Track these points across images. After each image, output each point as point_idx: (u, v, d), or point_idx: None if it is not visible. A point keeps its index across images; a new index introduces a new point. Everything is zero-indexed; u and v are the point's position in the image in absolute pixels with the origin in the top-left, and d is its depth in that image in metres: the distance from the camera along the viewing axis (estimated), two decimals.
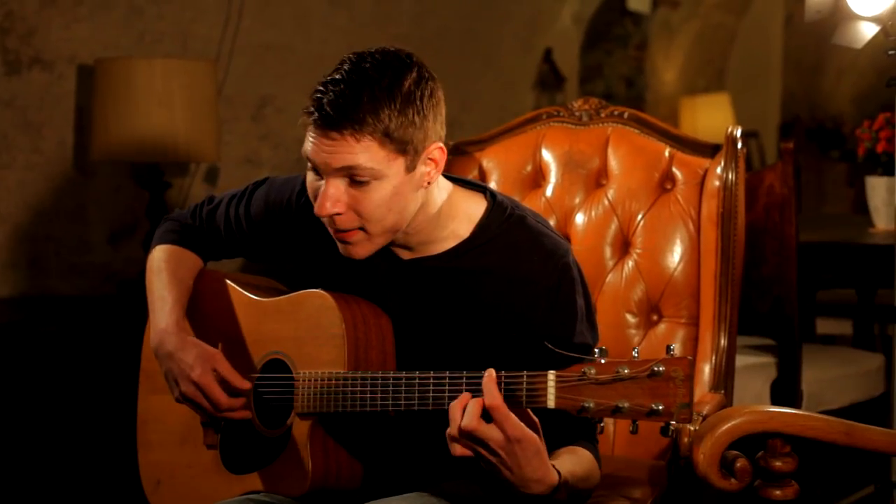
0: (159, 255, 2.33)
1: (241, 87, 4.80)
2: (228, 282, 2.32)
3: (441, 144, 2.05)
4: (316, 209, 2.02)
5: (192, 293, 2.30)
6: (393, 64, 1.99)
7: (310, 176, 2.05)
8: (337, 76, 1.99)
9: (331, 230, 2.06)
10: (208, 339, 2.19)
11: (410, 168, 2.01)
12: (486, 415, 1.86)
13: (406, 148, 1.99)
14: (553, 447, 2.02)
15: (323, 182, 2.01)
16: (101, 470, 3.80)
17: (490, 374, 1.87)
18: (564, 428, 2.05)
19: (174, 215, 2.41)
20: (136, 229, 4.41)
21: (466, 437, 1.86)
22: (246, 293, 2.28)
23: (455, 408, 1.87)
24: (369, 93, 1.95)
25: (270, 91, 4.96)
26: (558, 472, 1.93)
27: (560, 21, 7.05)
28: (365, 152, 1.96)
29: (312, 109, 1.97)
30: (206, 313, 2.29)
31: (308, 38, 5.09)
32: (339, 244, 2.07)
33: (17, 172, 4.12)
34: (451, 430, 1.88)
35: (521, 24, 6.52)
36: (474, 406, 1.85)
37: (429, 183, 2.05)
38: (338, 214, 2.01)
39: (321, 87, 1.98)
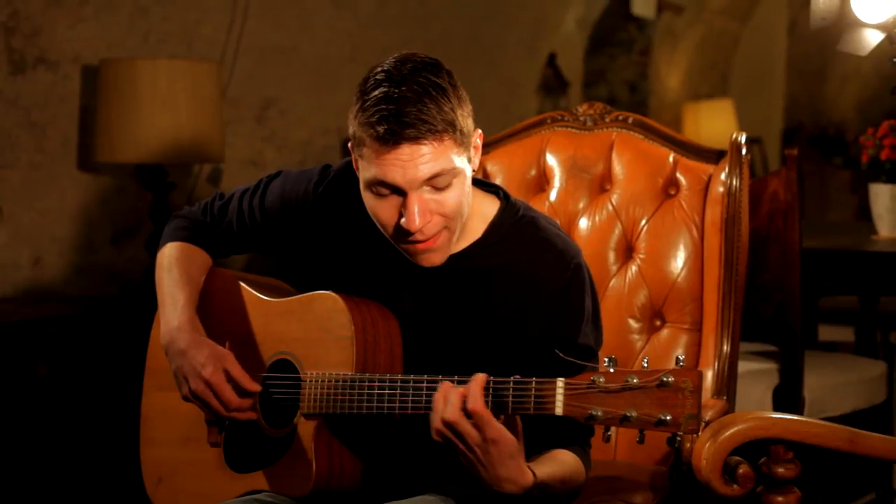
0: (169, 252, 2.32)
1: (245, 88, 4.80)
2: (238, 281, 2.32)
3: (480, 131, 2.08)
4: (407, 226, 2.00)
5: (201, 291, 2.30)
6: (424, 65, 2.00)
7: (379, 203, 2.02)
8: (384, 92, 1.96)
9: (409, 246, 2.05)
10: (217, 337, 2.20)
11: (469, 158, 2.04)
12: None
13: (467, 139, 2.02)
14: (541, 447, 2.05)
15: (400, 202, 2.00)
16: (104, 468, 3.80)
17: (478, 378, 1.89)
18: (556, 431, 2.07)
19: (184, 212, 2.40)
20: (139, 230, 4.42)
21: (447, 427, 1.89)
22: (255, 293, 2.28)
23: (438, 398, 1.90)
24: (428, 95, 1.96)
25: (275, 93, 4.97)
26: (534, 475, 1.94)
27: (564, 26, 7.06)
28: (446, 152, 1.97)
29: (381, 130, 1.95)
30: (214, 312, 2.30)
31: (312, 41, 5.10)
32: (414, 256, 2.07)
33: (21, 172, 4.12)
34: (434, 418, 1.90)
35: (526, 28, 6.53)
36: (456, 398, 1.88)
37: (474, 169, 2.08)
38: (428, 222, 2.01)
39: (374, 109, 1.95)
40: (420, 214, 1.99)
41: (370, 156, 1.98)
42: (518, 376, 1.92)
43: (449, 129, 1.97)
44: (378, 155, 1.97)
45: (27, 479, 3.70)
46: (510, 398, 1.90)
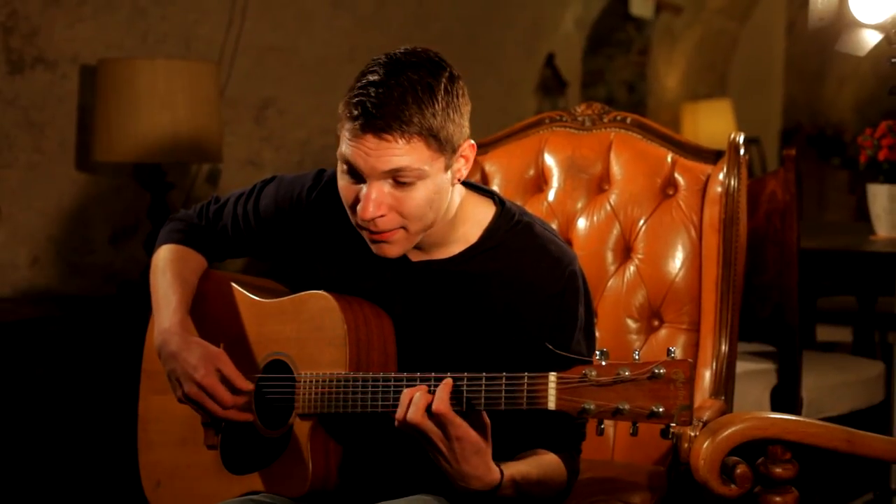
0: (164, 255, 2.32)
1: (243, 88, 4.80)
2: (231, 283, 2.32)
3: (472, 141, 2.07)
4: (359, 213, 2.01)
5: (195, 294, 2.30)
6: (427, 63, 2.00)
7: (343, 180, 2.04)
8: (375, 77, 1.97)
9: (365, 233, 2.06)
10: (211, 339, 2.19)
11: (448, 166, 2.03)
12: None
13: (447, 146, 2.00)
14: (523, 447, 2.07)
15: (361, 186, 2.01)
16: (102, 470, 3.80)
17: (446, 384, 1.90)
18: (545, 433, 2.08)
19: (180, 215, 2.41)
20: (137, 230, 4.41)
21: (407, 426, 1.91)
22: (249, 294, 2.28)
23: (405, 395, 1.92)
24: (413, 94, 1.95)
25: (273, 93, 4.96)
26: (501, 473, 1.96)
27: (562, 26, 7.06)
28: (412, 153, 1.97)
29: (357, 113, 1.96)
30: (209, 314, 2.30)
31: (311, 41, 5.10)
32: (371, 245, 2.07)
33: (19, 172, 4.12)
34: (398, 413, 1.92)
35: (524, 28, 6.53)
36: (421, 399, 1.90)
37: (459, 179, 2.07)
38: (381, 217, 2.01)
39: (361, 90, 1.97)
40: (374, 205, 1.99)
41: (344, 134, 2.00)
42: (506, 373, 1.92)
43: (423, 133, 1.96)
44: (350, 135, 1.99)
45: (26, 480, 3.69)
46: (502, 394, 1.90)
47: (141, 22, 4.44)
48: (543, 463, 2.07)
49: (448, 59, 2.06)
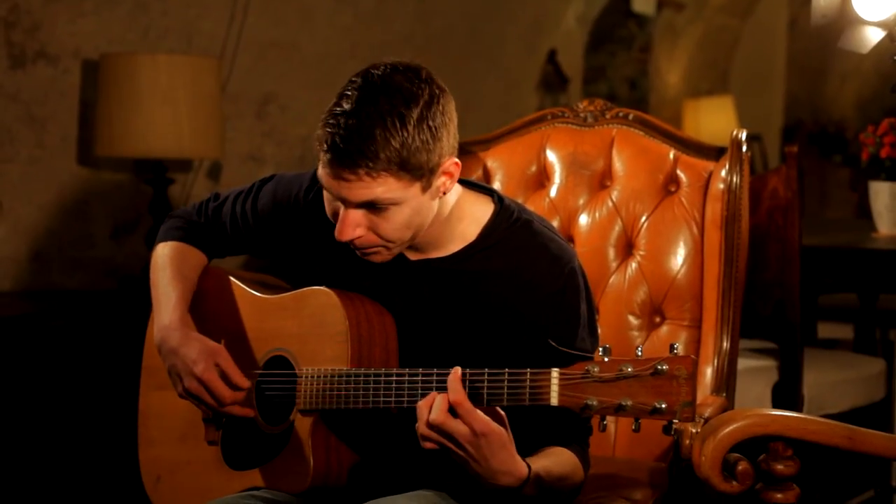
0: (163, 252, 2.32)
1: (245, 83, 4.80)
2: (232, 279, 2.32)
3: (455, 159, 2.05)
4: (336, 234, 2.02)
5: (195, 290, 2.30)
6: (402, 88, 1.97)
7: (326, 195, 2.05)
8: (347, 106, 1.96)
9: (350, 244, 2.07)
10: (212, 336, 2.19)
11: (426, 187, 2.02)
12: (452, 411, 1.89)
13: (421, 172, 1.98)
14: (538, 445, 2.05)
15: (339, 205, 2.01)
16: (102, 466, 3.80)
17: (455, 372, 1.90)
18: (554, 429, 2.07)
19: (179, 212, 2.41)
20: (138, 225, 4.41)
21: (435, 430, 1.89)
22: (249, 290, 2.28)
23: (422, 406, 1.91)
24: (381, 125, 1.94)
25: (274, 88, 4.96)
26: (528, 467, 1.95)
27: (564, 22, 7.05)
28: (381, 185, 1.96)
29: (326, 147, 1.96)
30: (209, 310, 2.29)
31: (312, 36, 5.09)
32: (356, 252, 2.08)
33: (20, 166, 4.12)
34: (420, 425, 1.91)
35: (526, 24, 6.52)
36: (442, 401, 1.89)
37: (444, 193, 2.07)
38: (358, 238, 2.02)
39: (332, 121, 1.96)
40: (349, 228, 2.01)
41: (320, 159, 2.00)
42: (508, 369, 1.92)
43: (391, 168, 1.95)
44: (322, 164, 1.99)
45: (26, 475, 3.69)
46: (504, 390, 1.90)
47: (143, 17, 4.44)
48: (562, 459, 2.07)
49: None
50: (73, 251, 4.29)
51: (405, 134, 1.95)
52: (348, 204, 1.99)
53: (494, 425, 1.89)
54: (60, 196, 4.24)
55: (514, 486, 1.94)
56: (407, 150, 1.95)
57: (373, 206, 1.99)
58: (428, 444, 1.92)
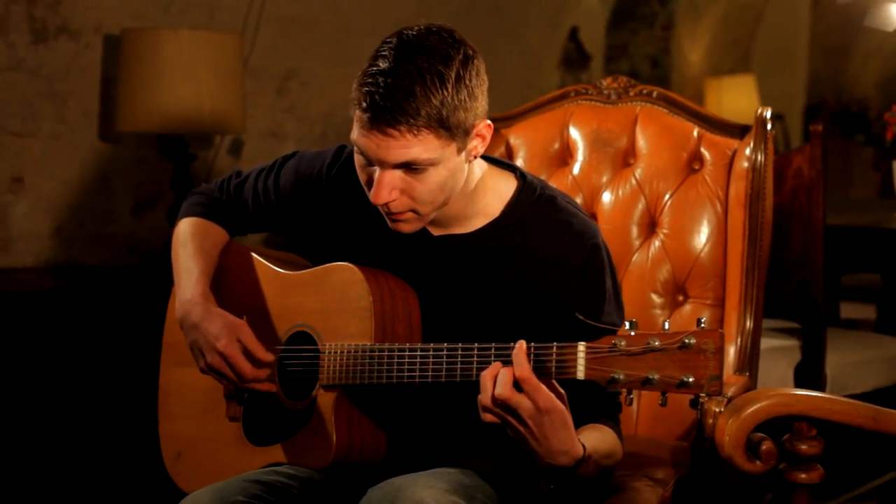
0: (185, 228, 2.32)
1: (266, 59, 4.79)
2: (253, 255, 2.32)
3: (488, 121, 2.05)
4: (371, 198, 2.01)
5: (217, 266, 2.30)
6: (439, 47, 1.97)
7: (359, 160, 2.04)
8: (384, 65, 1.95)
9: (382, 210, 2.06)
10: (234, 311, 2.19)
11: (462, 148, 2.01)
12: (517, 384, 1.86)
13: (458, 131, 1.98)
14: (577, 423, 2.02)
15: (375, 169, 2.00)
16: (122, 441, 3.81)
17: (521, 346, 1.88)
18: (588, 404, 2.06)
19: (201, 189, 2.41)
20: (160, 200, 4.42)
21: (499, 405, 1.87)
22: (271, 266, 2.28)
23: (486, 376, 1.88)
24: (421, 83, 1.93)
25: (296, 64, 4.95)
26: (583, 447, 1.93)
27: (586, 0, 7.02)
28: (421, 144, 1.95)
29: (365, 105, 1.95)
30: (231, 286, 2.29)
31: (334, 12, 5.08)
32: (387, 220, 2.07)
33: (42, 142, 4.13)
34: (483, 397, 1.88)
35: (548, 1, 6.49)
36: (506, 375, 1.86)
37: (475, 157, 2.06)
38: (393, 201, 2.01)
39: (370, 80, 1.95)
40: (385, 190, 1.99)
41: (356, 121, 1.99)
42: (534, 343, 1.91)
43: (432, 125, 1.94)
44: (360, 125, 1.97)
45: (48, 451, 3.71)
46: (531, 363, 1.88)
47: None
48: (606, 437, 2.06)
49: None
50: (95, 227, 4.29)
51: (445, 92, 1.94)
52: (385, 165, 1.98)
53: (558, 402, 1.87)
54: (82, 171, 4.24)
55: (568, 467, 1.93)
56: (447, 109, 1.94)
57: (410, 167, 1.98)
58: (489, 417, 1.90)
